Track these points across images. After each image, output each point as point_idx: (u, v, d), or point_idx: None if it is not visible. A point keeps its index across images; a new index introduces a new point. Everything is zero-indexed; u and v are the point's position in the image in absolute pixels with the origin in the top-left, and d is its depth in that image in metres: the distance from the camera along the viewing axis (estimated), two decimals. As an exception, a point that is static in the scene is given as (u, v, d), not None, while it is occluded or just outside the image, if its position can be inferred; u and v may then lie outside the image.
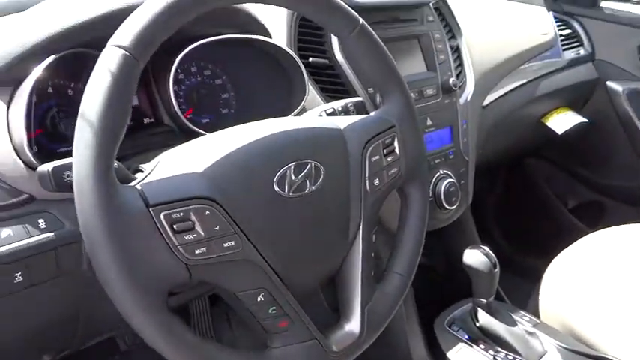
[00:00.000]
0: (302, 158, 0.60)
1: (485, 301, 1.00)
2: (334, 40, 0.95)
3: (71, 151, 0.73)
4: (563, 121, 1.46)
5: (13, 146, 0.64)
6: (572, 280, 1.05)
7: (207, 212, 0.53)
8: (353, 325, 0.63)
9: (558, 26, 1.53)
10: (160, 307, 0.50)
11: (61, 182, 0.53)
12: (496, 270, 0.98)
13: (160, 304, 0.50)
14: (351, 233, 0.64)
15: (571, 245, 1.14)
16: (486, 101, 1.23)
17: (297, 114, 0.85)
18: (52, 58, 0.64)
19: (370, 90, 0.96)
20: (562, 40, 1.52)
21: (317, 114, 0.76)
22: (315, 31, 0.95)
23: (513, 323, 1.01)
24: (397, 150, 0.69)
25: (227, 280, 0.55)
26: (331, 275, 0.65)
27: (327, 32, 0.96)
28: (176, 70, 0.78)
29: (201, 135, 0.76)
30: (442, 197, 1.03)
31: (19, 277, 0.62)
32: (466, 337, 1.03)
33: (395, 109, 0.70)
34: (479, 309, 1.02)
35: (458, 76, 1.12)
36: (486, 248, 0.99)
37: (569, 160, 1.69)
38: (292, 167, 0.59)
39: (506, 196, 1.78)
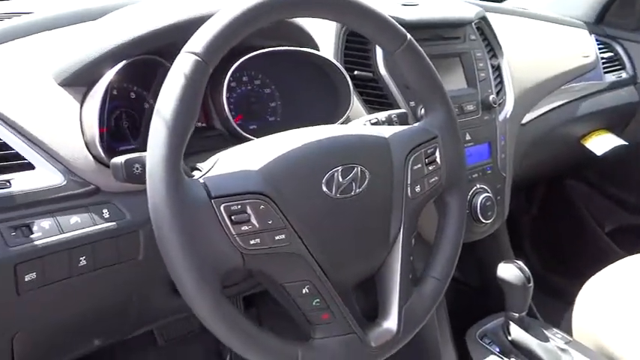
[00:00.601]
0: (349, 162, 0.64)
1: (518, 315, 1.02)
2: (378, 55, 1.00)
3: (130, 149, 0.78)
4: (602, 143, 1.46)
5: (85, 142, 0.70)
6: (608, 301, 1.05)
7: (261, 206, 0.57)
8: (390, 323, 0.66)
9: (600, 49, 1.54)
10: (215, 288, 0.55)
11: (131, 174, 0.58)
12: (530, 285, 0.99)
13: (216, 285, 0.55)
14: (392, 236, 0.68)
15: (609, 267, 1.14)
16: (525, 119, 1.25)
17: (342, 124, 0.89)
18: (123, 62, 0.71)
19: (412, 103, 1.00)
20: (604, 63, 1.52)
21: (362, 123, 0.80)
22: (361, 45, 1.00)
23: (546, 339, 1.01)
24: (438, 159, 0.73)
25: (276, 271, 0.59)
26: (370, 275, 0.69)
27: (373, 47, 1.00)
28: (229, 78, 0.83)
29: (250, 140, 0.81)
30: (478, 211, 1.05)
31: (83, 261, 0.68)
32: (497, 350, 1.04)
33: (438, 121, 0.74)
34: (511, 323, 1.03)
35: (498, 93, 1.15)
36: (520, 263, 1.01)
37: (608, 182, 1.68)
38: (340, 170, 0.64)
39: (541, 215, 1.77)
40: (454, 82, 1.09)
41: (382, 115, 0.82)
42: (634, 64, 1.59)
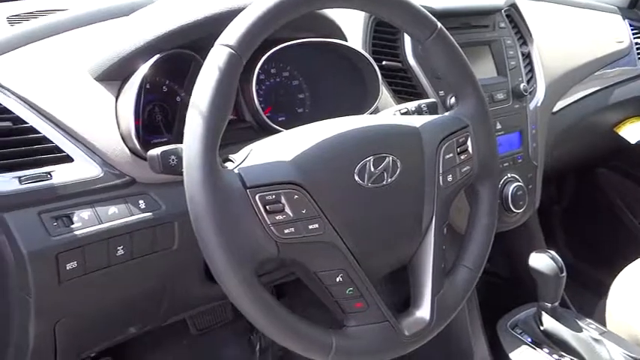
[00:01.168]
0: (381, 152, 0.65)
1: (550, 305, 1.01)
2: (407, 45, 0.99)
3: (164, 141, 0.80)
4: (636, 131, 1.42)
5: (121, 134, 0.72)
6: None
7: (295, 196, 0.58)
8: (423, 312, 0.66)
9: (634, 34, 1.50)
10: (251, 276, 0.56)
11: (167, 165, 0.59)
12: (563, 275, 0.98)
13: (252, 273, 0.56)
14: (424, 225, 0.68)
15: None
16: (556, 107, 1.23)
17: (371, 114, 0.89)
18: (157, 56, 0.72)
19: (441, 93, 0.99)
20: (638, 49, 1.48)
21: (392, 113, 0.80)
22: (389, 35, 0.99)
23: (579, 329, 1.00)
24: (470, 149, 0.72)
25: (310, 260, 0.60)
26: (401, 265, 0.69)
27: (401, 37, 1.00)
28: (258, 71, 0.84)
29: (279, 131, 0.82)
30: (509, 200, 1.04)
31: (120, 251, 0.70)
32: (529, 340, 1.03)
33: (469, 110, 0.73)
34: (543, 313, 1.02)
35: (528, 81, 1.13)
36: (553, 252, 0.99)
37: None
38: (372, 160, 0.64)
39: (573, 205, 1.74)
40: (484, 70, 1.08)
41: (412, 105, 0.82)
42: (670, 49, 1.54)
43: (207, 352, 1.29)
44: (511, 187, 1.04)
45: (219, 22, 0.74)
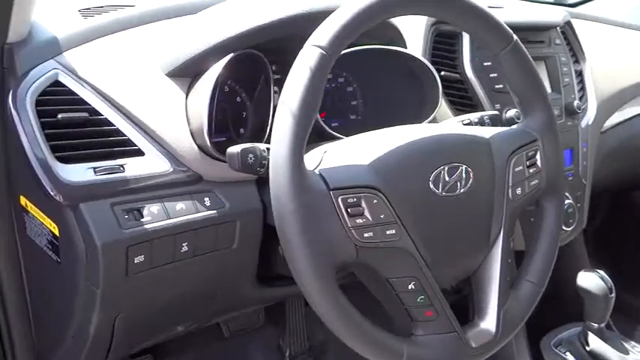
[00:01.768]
0: (455, 161, 0.64)
1: (597, 325, 1.00)
2: (465, 56, 0.99)
3: (222, 141, 0.80)
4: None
5: (190, 131, 0.72)
6: None
7: (375, 200, 0.58)
8: (489, 324, 0.66)
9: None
10: (331, 277, 0.56)
11: (246, 163, 0.60)
12: (612, 295, 0.97)
13: (331, 274, 0.56)
14: (492, 237, 0.67)
15: None
16: (605, 127, 1.22)
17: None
18: (230, 55, 0.72)
19: (497, 106, 0.99)
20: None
21: (455, 122, 0.79)
22: (448, 46, 1.00)
23: (626, 352, 0.99)
24: (539, 163, 0.72)
25: (384, 266, 0.60)
26: (467, 275, 0.69)
27: (459, 48, 1.00)
28: None
29: (335, 137, 0.82)
30: (560, 218, 1.03)
31: (185, 247, 0.70)
32: (573, 359, 1.02)
33: (538, 124, 0.73)
34: (589, 333, 1.01)
35: (580, 99, 1.13)
36: (602, 272, 0.98)
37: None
38: (446, 168, 0.64)
39: (607, 226, 1.72)
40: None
41: (474, 117, 0.81)
42: None
43: (237, 356, 1.29)
44: None
45: (295, 24, 0.75)
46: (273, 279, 0.89)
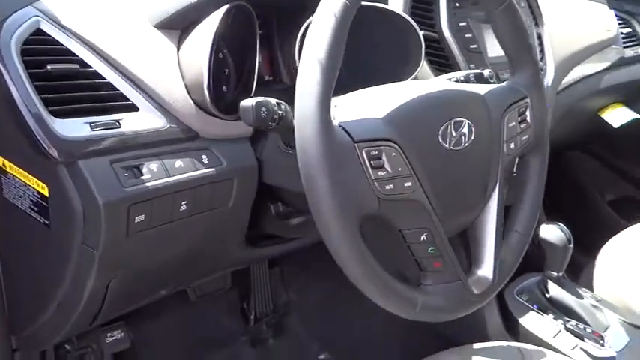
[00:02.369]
0: (459, 116, 0.66)
1: (556, 274, 1.07)
2: (442, 16, 1.00)
3: (222, 96, 0.77)
4: (619, 115, 1.51)
5: (185, 85, 0.69)
6: (629, 261, 1.12)
7: (393, 153, 0.59)
8: (486, 271, 0.69)
9: (619, 24, 1.58)
10: (356, 229, 0.56)
11: (260, 116, 0.58)
12: (570, 245, 1.04)
13: (356, 226, 0.56)
14: (489, 190, 0.70)
15: (626, 230, 1.21)
16: (559, 88, 1.29)
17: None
18: (227, 6, 0.69)
19: (472, 66, 1.01)
20: (623, 38, 1.57)
21: (444, 79, 0.81)
22: (426, 5, 1.00)
23: (581, 297, 1.07)
24: (529, 119, 0.75)
25: (399, 218, 0.61)
26: (466, 227, 0.71)
27: (436, 7, 1.01)
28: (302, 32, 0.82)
29: None
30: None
31: (183, 206, 0.68)
32: (535, 306, 1.09)
33: (527, 81, 0.76)
34: (549, 281, 1.08)
35: (541, 60, 1.18)
36: (562, 224, 1.05)
37: (616, 155, 1.75)
38: (452, 123, 0.65)
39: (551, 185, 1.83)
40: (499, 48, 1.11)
41: (460, 75, 0.83)
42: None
43: (204, 320, 1.28)
44: None
45: None
46: (259, 239, 0.88)
